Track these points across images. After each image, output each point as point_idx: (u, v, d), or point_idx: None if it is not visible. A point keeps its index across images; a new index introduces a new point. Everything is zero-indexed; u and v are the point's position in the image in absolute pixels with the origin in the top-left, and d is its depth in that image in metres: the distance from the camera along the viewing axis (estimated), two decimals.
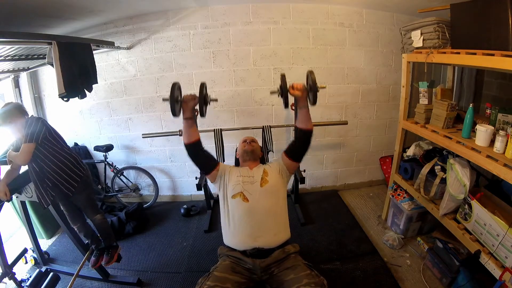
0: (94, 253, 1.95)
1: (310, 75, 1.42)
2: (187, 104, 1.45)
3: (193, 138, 1.49)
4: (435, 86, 2.08)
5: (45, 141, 1.65)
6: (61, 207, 1.82)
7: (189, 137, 1.48)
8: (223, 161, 2.20)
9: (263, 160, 2.03)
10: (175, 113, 1.42)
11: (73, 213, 1.85)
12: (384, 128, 3.07)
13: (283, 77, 1.47)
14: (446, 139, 1.75)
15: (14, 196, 1.88)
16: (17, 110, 1.55)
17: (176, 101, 1.42)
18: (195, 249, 2.33)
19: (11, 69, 2.38)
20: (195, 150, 1.51)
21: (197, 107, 1.48)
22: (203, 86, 1.49)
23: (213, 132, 2.41)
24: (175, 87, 1.41)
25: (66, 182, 1.73)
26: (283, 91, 1.43)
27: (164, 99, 1.42)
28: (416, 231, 2.32)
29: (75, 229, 1.89)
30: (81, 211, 1.92)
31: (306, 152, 1.55)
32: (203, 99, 1.48)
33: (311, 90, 1.41)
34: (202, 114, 1.55)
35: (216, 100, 1.60)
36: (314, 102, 1.44)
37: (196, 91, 1.46)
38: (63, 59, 1.65)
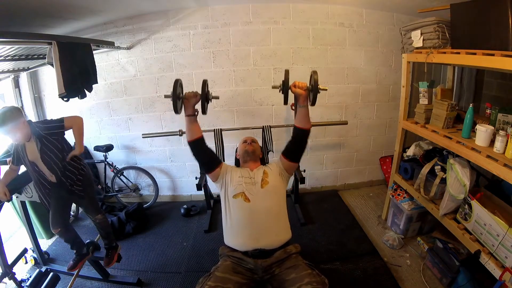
0: (74, 257, 1.88)
1: (313, 75, 1.42)
2: (189, 101, 1.45)
3: (196, 135, 1.48)
4: (435, 86, 2.08)
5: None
6: (49, 207, 1.75)
7: (192, 135, 1.48)
8: (223, 161, 2.20)
9: (263, 161, 2.03)
10: (177, 110, 1.42)
11: (57, 214, 1.77)
12: (384, 128, 3.07)
13: (286, 73, 1.45)
14: (446, 139, 1.76)
15: (14, 196, 1.88)
16: (17, 110, 1.57)
17: (178, 98, 1.41)
18: (195, 249, 2.33)
19: (11, 69, 2.38)
20: (198, 147, 1.50)
21: (199, 104, 1.47)
22: (205, 84, 1.49)
23: (213, 132, 2.41)
24: (177, 84, 1.41)
25: (72, 180, 1.72)
26: (285, 87, 1.42)
27: (166, 96, 1.42)
28: (416, 231, 2.32)
29: (56, 234, 1.80)
30: (65, 214, 1.86)
31: (303, 152, 1.54)
32: (205, 96, 1.49)
33: (313, 90, 1.41)
34: (204, 112, 1.55)
35: (217, 97, 1.60)
36: (313, 103, 1.44)
37: (196, 91, 1.47)
38: (63, 59, 1.65)
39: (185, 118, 1.47)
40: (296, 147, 1.52)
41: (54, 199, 1.74)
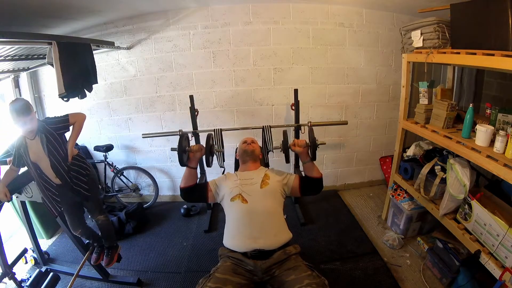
0: (95, 249, 1.95)
1: (310, 132, 1.54)
2: (194, 155, 1.52)
3: (191, 183, 1.55)
4: (435, 86, 2.08)
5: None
6: (65, 213, 1.79)
7: (187, 183, 1.55)
8: (223, 160, 2.19)
9: (263, 161, 2.03)
10: (183, 163, 1.49)
11: (75, 217, 1.83)
12: (384, 128, 3.07)
13: (285, 133, 1.61)
14: (446, 139, 1.76)
15: (14, 196, 1.88)
16: (30, 104, 1.61)
17: (184, 151, 1.49)
18: (195, 249, 2.33)
19: (11, 69, 2.38)
20: (190, 192, 1.57)
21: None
22: (209, 138, 1.59)
23: (213, 132, 2.41)
24: (183, 138, 1.50)
25: (78, 180, 1.73)
26: (284, 147, 1.56)
27: (172, 149, 1.51)
28: (416, 231, 2.32)
29: (77, 235, 1.88)
30: (81, 214, 1.90)
31: (315, 194, 1.63)
32: (209, 150, 1.58)
33: (311, 146, 1.52)
34: (208, 165, 1.63)
35: (222, 151, 1.67)
36: (313, 158, 1.54)
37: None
38: (63, 59, 1.65)
39: (186, 168, 1.54)
40: (312, 189, 1.60)
41: (66, 204, 1.76)
